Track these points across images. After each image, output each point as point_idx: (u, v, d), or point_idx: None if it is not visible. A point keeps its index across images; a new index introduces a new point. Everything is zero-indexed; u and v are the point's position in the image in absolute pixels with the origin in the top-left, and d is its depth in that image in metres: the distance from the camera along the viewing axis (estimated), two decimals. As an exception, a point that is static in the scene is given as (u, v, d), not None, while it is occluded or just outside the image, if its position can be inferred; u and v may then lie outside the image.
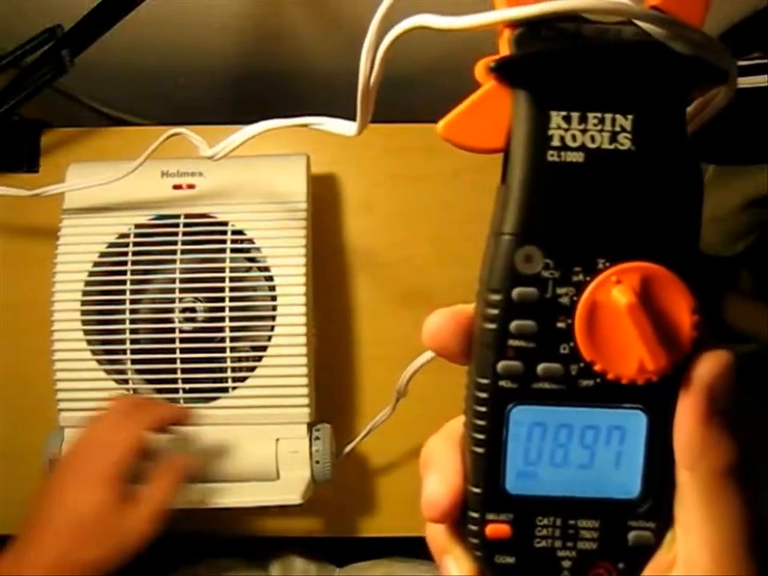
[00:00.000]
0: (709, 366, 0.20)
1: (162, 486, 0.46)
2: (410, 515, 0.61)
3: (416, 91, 0.71)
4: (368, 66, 0.32)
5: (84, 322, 0.56)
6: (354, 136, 0.39)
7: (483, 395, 0.21)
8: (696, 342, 0.20)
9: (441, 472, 0.22)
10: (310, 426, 0.56)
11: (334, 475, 0.55)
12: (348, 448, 0.58)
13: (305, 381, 0.55)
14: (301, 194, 0.58)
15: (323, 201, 0.63)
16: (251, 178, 0.58)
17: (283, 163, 0.59)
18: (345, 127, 0.39)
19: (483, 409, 0.21)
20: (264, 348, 0.55)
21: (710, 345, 0.20)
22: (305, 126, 0.42)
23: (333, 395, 0.61)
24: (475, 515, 0.22)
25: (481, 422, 0.21)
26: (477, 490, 0.22)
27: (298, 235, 0.56)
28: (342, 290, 0.64)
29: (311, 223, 0.58)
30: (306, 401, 0.55)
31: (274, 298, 0.56)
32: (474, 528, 0.22)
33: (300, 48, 0.68)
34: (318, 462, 0.55)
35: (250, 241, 0.57)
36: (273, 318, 0.55)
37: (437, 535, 0.23)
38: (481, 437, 0.21)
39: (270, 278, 0.56)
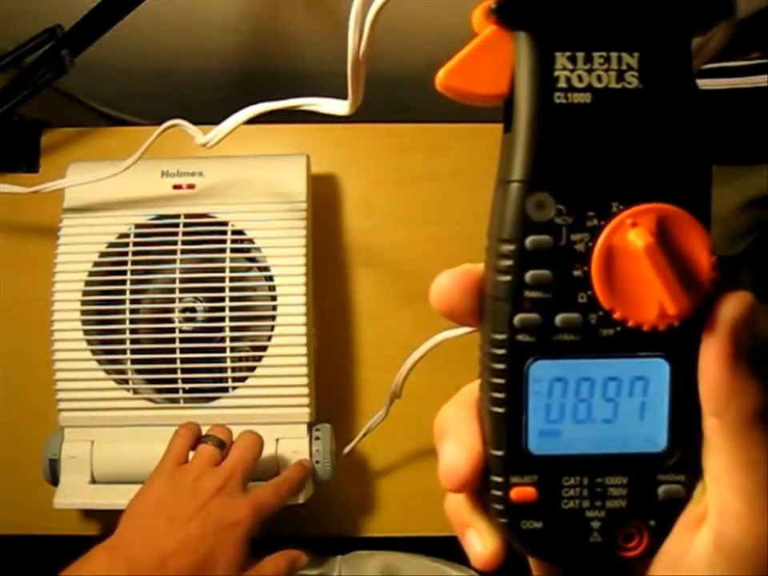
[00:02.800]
0: (732, 307, 0.19)
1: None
2: (410, 515, 0.61)
3: (416, 91, 0.71)
4: (356, 37, 0.30)
5: (84, 322, 0.56)
6: (347, 114, 0.38)
7: (500, 351, 0.20)
8: (716, 284, 0.20)
9: (458, 438, 0.21)
10: (310, 426, 0.56)
11: (334, 475, 0.55)
12: (347, 448, 0.58)
13: (305, 381, 0.55)
14: (301, 193, 0.58)
15: (323, 201, 0.63)
16: (251, 178, 0.58)
17: (283, 163, 0.59)
18: (337, 106, 0.39)
19: (501, 366, 0.20)
20: (264, 348, 0.55)
21: (729, 286, 0.20)
22: (297, 107, 0.42)
23: (333, 395, 0.61)
24: (498, 479, 0.21)
25: (499, 381, 0.20)
26: (498, 453, 0.21)
27: (298, 235, 0.56)
28: (341, 290, 0.64)
29: (311, 223, 0.58)
30: (306, 401, 0.55)
31: (274, 298, 0.55)
32: (497, 493, 0.21)
33: (300, 48, 0.68)
34: (318, 462, 0.55)
35: (250, 241, 0.57)
36: (273, 317, 0.55)
37: (457, 507, 0.22)
38: (500, 396, 0.21)
39: (270, 278, 0.56)
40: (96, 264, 0.57)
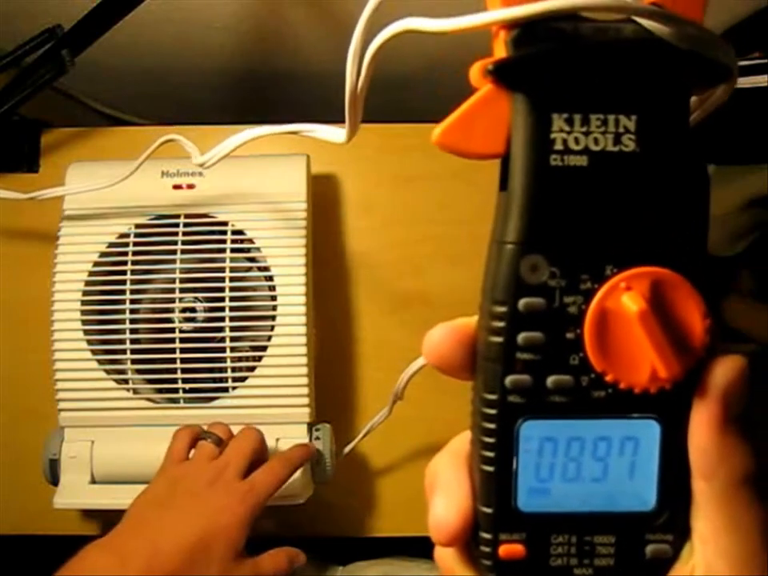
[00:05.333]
0: (723, 371, 0.19)
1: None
2: (410, 515, 0.61)
3: (415, 91, 0.71)
4: (354, 72, 0.31)
5: (84, 322, 0.56)
6: (344, 143, 0.38)
7: (491, 411, 0.20)
8: (708, 347, 0.20)
9: (448, 493, 0.21)
10: (310, 426, 0.56)
11: (334, 475, 0.55)
12: (348, 448, 0.58)
13: (305, 381, 0.55)
14: (301, 194, 0.58)
15: (323, 201, 0.63)
16: (251, 178, 0.58)
17: (283, 163, 0.59)
18: (335, 134, 0.39)
19: (492, 425, 0.20)
20: (264, 348, 0.55)
21: (722, 349, 0.20)
22: (295, 133, 0.42)
23: (333, 395, 0.61)
24: (487, 536, 0.21)
25: (489, 439, 0.21)
26: (488, 510, 0.21)
27: (298, 235, 0.56)
28: (341, 290, 0.64)
29: (311, 223, 0.58)
30: (306, 401, 0.55)
31: (274, 298, 0.56)
32: (486, 550, 0.21)
33: (300, 48, 0.68)
34: (318, 462, 0.55)
35: (250, 241, 0.57)
36: (273, 317, 0.55)
37: (446, 558, 0.22)
38: (490, 454, 0.21)
39: (270, 278, 0.56)
40: (96, 264, 0.57)
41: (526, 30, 0.19)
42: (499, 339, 0.20)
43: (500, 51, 0.20)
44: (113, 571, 0.41)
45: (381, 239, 0.65)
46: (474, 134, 0.20)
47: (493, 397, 0.20)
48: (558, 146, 0.19)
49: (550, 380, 0.20)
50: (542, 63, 0.19)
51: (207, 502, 0.46)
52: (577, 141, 0.19)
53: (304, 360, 0.55)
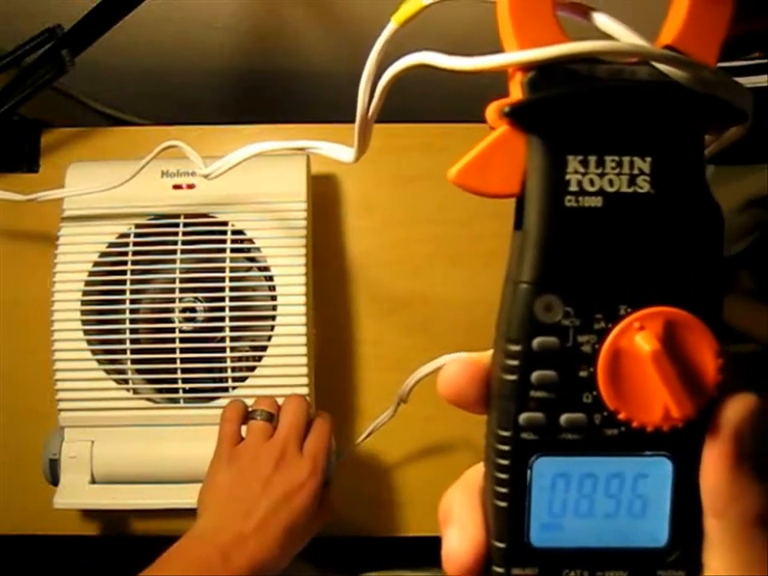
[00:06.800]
0: (735, 410, 0.20)
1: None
2: (410, 516, 0.61)
3: (415, 91, 0.71)
4: (366, 97, 0.31)
5: (84, 322, 0.56)
6: (351, 163, 0.38)
7: (505, 448, 0.21)
8: (721, 386, 0.20)
9: (461, 526, 0.22)
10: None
11: (335, 475, 0.55)
12: (349, 449, 0.58)
13: (305, 381, 0.55)
14: (301, 194, 0.58)
15: (323, 201, 0.63)
16: (251, 178, 0.58)
17: (283, 163, 0.59)
18: (342, 153, 0.39)
19: (505, 462, 0.21)
20: (264, 348, 0.55)
21: (735, 388, 0.20)
22: (301, 150, 0.42)
23: (332, 395, 0.61)
24: (499, 570, 0.21)
25: (503, 475, 0.21)
26: (500, 545, 0.21)
27: (298, 235, 0.56)
28: (341, 290, 0.64)
29: (311, 223, 0.58)
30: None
31: (274, 298, 0.56)
32: None
33: (300, 47, 0.68)
34: (317, 462, 0.55)
35: (250, 241, 0.57)
36: (273, 317, 0.55)
37: None
38: (503, 490, 0.21)
39: (270, 278, 0.56)
40: (96, 264, 0.57)
41: (542, 72, 0.20)
42: (513, 377, 0.20)
43: (516, 93, 0.20)
44: (217, 563, 0.44)
45: (381, 239, 0.65)
46: (489, 175, 0.20)
47: (506, 433, 0.20)
48: (573, 188, 0.20)
49: (563, 418, 0.20)
50: (558, 106, 0.20)
51: (280, 486, 0.48)
52: (592, 182, 0.20)
53: (304, 360, 0.55)
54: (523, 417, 0.20)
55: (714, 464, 0.20)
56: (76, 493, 0.54)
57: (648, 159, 0.20)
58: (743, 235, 0.60)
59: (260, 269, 0.57)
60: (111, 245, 0.57)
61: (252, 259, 0.58)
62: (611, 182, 0.20)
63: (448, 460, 0.61)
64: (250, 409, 0.52)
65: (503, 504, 0.21)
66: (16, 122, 0.64)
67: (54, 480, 0.55)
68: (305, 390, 0.55)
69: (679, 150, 0.20)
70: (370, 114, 0.32)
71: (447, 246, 0.64)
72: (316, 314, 0.59)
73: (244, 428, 0.51)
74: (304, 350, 0.55)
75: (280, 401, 0.53)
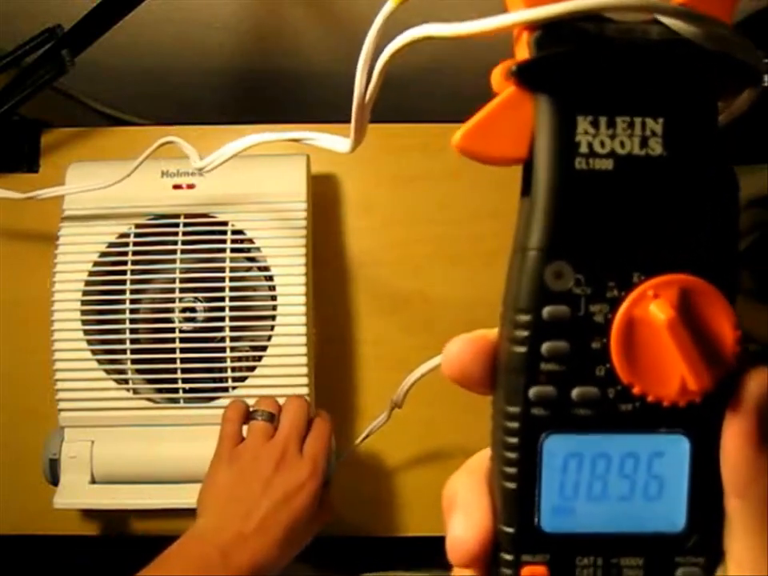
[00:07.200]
0: (757, 383, 0.19)
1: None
2: (410, 516, 0.61)
3: (415, 91, 0.71)
4: (364, 80, 0.30)
5: (84, 322, 0.56)
6: (348, 152, 0.38)
7: (514, 425, 0.20)
8: (740, 359, 0.19)
9: (467, 512, 0.20)
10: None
11: (335, 475, 0.55)
12: (348, 450, 0.58)
13: (305, 381, 0.55)
14: (301, 193, 0.58)
15: (323, 201, 0.63)
16: (251, 178, 0.58)
17: (283, 163, 0.59)
18: (338, 143, 0.38)
19: (514, 440, 0.20)
20: (264, 348, 0.55)
21: (754, 361, 0.19)
22: (297, 140, 0.42)
23: (332, 395, 0.61)
24: (508, 557, 0.20)
25: (511, 455, 0.20)
26: (509, 530, 0.20)
27: (298, 235, 0.56)
28: (341, 290, 0.64)
29: (311, 223, 0.58)
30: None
31: (274, 298, 0.56)
32: (507, 572, 0.20)
33: (300, 47, 0.68)
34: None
35: (250, 241, 0.57)
36: (273, 317, 0.55)
37: None
38: (512, 470, 0.20)
39: (270, 278, 0.56)
40: (96, 264, 0.57)
41: (549, 31, 0.19)
42: (522, 349, 0.19)
43: (522, 53, 0.19)
44: (216, 563, 0.44)
45: (381, 239, 0.65)
46: (496, 138, 0.19)
47: (515, 410, 0.20)
48: (583, 149, 0.19)
49: (575, 392, 0.19)
50: (566, 63, 0.19)
51: (281, 487, 0.48)
52: (602, 144, 0.19)
53: (304, 360, 0.55)
54: (533, 391, 0.19)
55: (735, 440, 0.19)
56: (76, 493, 0.54)
57: (660, 120, 0.19)
58: (743, 235, 0.60)
59: (260, 269, 0.57)
60: (111, 245, 0.57)
61: (252, 259, 0.58)
62: (622, 144, 0.19)
63: (448, 460, 0.61)
64: (251, 409, 0.52)
65: (512, 485, 0.20)
66: (16, 122, 0.64)
67: (54, 480, 0.55)
68: (305, 390, 0.55)
69: (692, 112, 0.19)
70: (367, 97, 0.31)
71: (447, 246, 0.64)
72: (316, 313, 0.59)
73: (245, 428, 0.51)
74: (304, 350, 0.55)
75: (281, 401, 0.53)
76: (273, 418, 0.51)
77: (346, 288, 0.64)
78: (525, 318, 0.19)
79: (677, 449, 0.20)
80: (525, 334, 0.19)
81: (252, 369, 0.56)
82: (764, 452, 0.18)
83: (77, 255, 0.57)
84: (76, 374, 0.56)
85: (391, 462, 0.62)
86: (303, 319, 0.55)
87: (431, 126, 0.65)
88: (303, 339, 0.55)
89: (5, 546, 0.61)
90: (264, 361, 0.55)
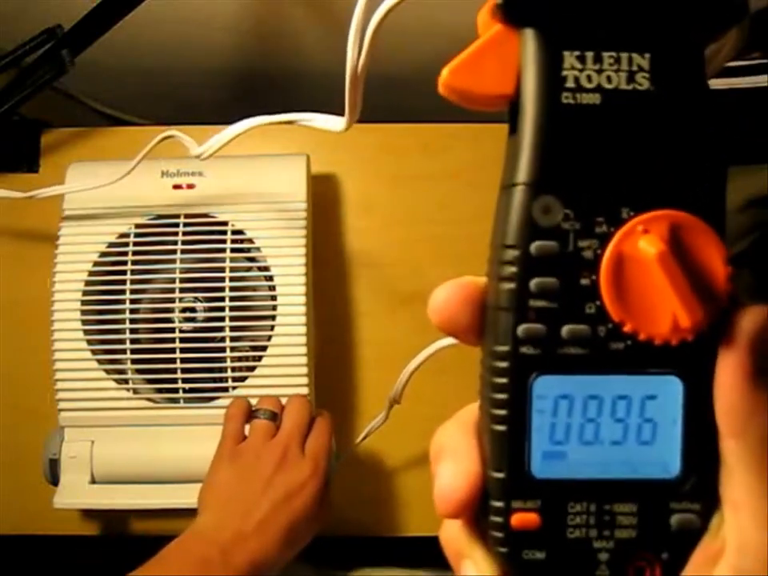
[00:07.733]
0: (751, 319, 0.18)
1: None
2: (410, 516, 0.61)
3: (415, 91, 0.71)
4: (355, 52, 0.30)
5: (84, 322, 0.56)
6: (343, 131, 0.37)
7: (503, 364, 0.19)
8: (731, 296, 0.18)
9: (455, 459, 0.20)
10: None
11: (335, 475, 0.55)
12: (348, 449, 0.58)
13: (305, 381, 0.55)
14: (301, 193, 0.58)
15: (323, 201, 0.63)
16: (251, 178, 0.58)
17: (283, 163, 0.59)
18: (333, 122, 0.38)
19: (503, 380, 0.19)
20: (264, 348, 0.55)
21: (745, 301, 0.18)
22: (292, 122, 0.42)
23: (333, 395, 0.61)
24: (498, 504, 0.19)
25: (501, 396, 0.19)
26: (499, 475, 0.19)
27: (298, 235, 0.56)
28: (341, 290, 0.64)
29: (311, 223, 0.58)
30: (305, 401, 0.55)
31: (274, 298, 0.56)
32: (497, 519, 0.19)
33: (300, 47, 0.68)
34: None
35: (250, 241, 0.57)
36: (273, 317, 0.55)
37: (452, 536, 0.21)
38: (501, 412, 0.19)
39: (270, 278, 0.56)
40: (96, 264, 0.57)
41: None
42: (511, 286, 0.19)
43: None
44: (216, 561, 0.44)
45: (381, 239, 0.65)
46: (482, 75, 0.19)
47: (504, 348, 0.19)
48: (570, 84, 0.19)
49: (565, 330, 0.19)
50: None
51: (281, 487, 0.48)
52: (589, 78, 0.19)
53: (304, 360, 0.55)
54: (522, 328, 0.19)
55: (729, 378, 0.18)
56: (76, 493, 0.54)
57: (647, 55, 0.19)
58: (743, 235, 0.60)
59: (260, 269, 0.57)
60: (111, 245, 0.57)
61: (252, 259, 0.58)
62: (609, 79, 0.19)
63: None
64: (253, 408, 0.52)
65: (502, 428, 0.19)
66: (16, 122, 0.64)
67: (54, 480, 0.55)
68: (305, 390, 0.55)
69: (679, 47, 0.19)
70: (359, 68, 0.31)
71: (447, 246, 0.63)
72: (316, 313, 0.59)
73: (247, 427, 0.51)
74: (304, 350, 0.55)
75: (283, 401, 0.53)
76: (275, 417, 0.51)
77: (345, 288, 0.64)
78: (512, 253, 0.19)
79: (669, 390, 0.19)
80: (513, 270, 0.19)
81: (252, 369, 0.56)
82: (759, 390, 0.18)
83: (77, 255, 0.57)
84: (76, 374, 0.56)
85: (391, 461, 0.62)
86: (303, 319, 0.55)
87: (431, 126, 0.65)
88: (303, 339, 0.55)
89: (5, 546, 0.61)
90: (264, 361, 0.55)
